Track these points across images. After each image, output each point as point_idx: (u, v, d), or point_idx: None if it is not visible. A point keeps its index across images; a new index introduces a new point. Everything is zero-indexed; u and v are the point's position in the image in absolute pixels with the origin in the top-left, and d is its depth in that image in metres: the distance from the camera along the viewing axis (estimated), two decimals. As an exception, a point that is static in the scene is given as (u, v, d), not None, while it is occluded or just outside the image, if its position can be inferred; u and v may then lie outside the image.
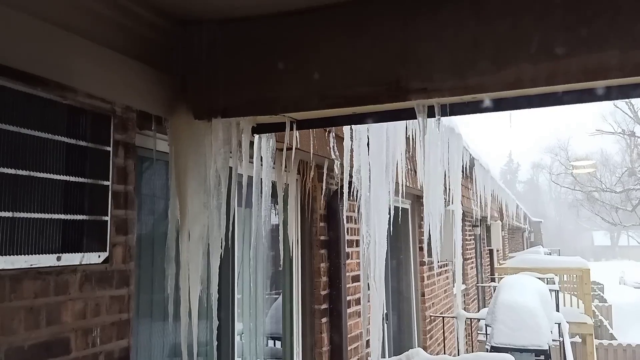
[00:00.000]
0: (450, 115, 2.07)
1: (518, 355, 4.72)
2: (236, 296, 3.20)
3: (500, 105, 2.04)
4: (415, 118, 2.11)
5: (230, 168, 2.44)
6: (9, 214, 1.47)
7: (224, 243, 2.43)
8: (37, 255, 1.57)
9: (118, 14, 1.94)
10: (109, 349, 1.96)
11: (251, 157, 2.63)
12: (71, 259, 1.71)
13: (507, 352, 5.29)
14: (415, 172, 5.47)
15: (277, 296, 4.02)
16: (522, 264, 14.88)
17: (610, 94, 1.94)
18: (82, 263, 1.76)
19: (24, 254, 1.54)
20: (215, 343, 2.49)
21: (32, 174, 1.55)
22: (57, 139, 1.65)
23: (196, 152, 2.32)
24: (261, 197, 2.69)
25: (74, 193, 1.72)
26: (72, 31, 1.72)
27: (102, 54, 1.85)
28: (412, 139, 4.94)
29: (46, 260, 1.61)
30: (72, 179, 1.71)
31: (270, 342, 4.23)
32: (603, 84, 1.86)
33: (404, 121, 4.57)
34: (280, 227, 3.58)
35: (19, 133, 1.52)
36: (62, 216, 1.67)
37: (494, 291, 11.60)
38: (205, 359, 2.94)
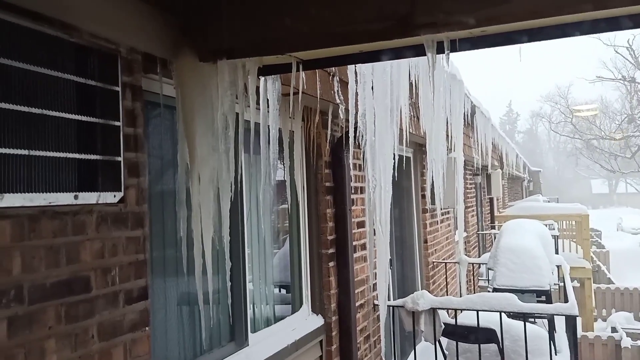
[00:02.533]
0: (459, 50, 2.04)
1: (520, 296, 4.83)
2: (246, 241, 3.25)
3: (510, 38, 2.01)
4: (424, 54, 2.09)
5: (237, 114, 2.43)
6: (25, 152, 1.48)
7: (233, 187, 2.45)
8: (55, 193, 1.59)
9: (119, -50, 1.89)
10: (128, 288, 2.01)
11: (257, 102, 2.61)
12: (88, 197, 1.72)
13: (509, 293, 5.41)
14: (418, 118, 5.45)
15: (279, 249, 4.08)
16: (522, 211, 15.05)
17: (621, 24, 1.91)
18: (99, 202, 1.78)
19: (42, 192, 1.55)
20: (228, 284, 2.54)
21: (45, 112, 1.55)
22: (66, 77, 1.64)
23: (202, 95, 2.30)
24: (268, 142, 2.69)
25: (87, 133, 1.72)
26: (74, -33, 1.68)
27: (105, -8, 1.81)
28: (415, 84, 4.90)
29: (64, 198, 1.62)
30: (84, 118, 1.71)
31: (275, 290, 4.33)
32: (615, 13, 1.83)
33: (407, 65, 4.52)
34: (287, 174, 3.60)
35: (29, 70, 1.51)
36: (77, 155, 1.67)
37: (494, 238, 11.75)
38: (219, 303, 3.02)
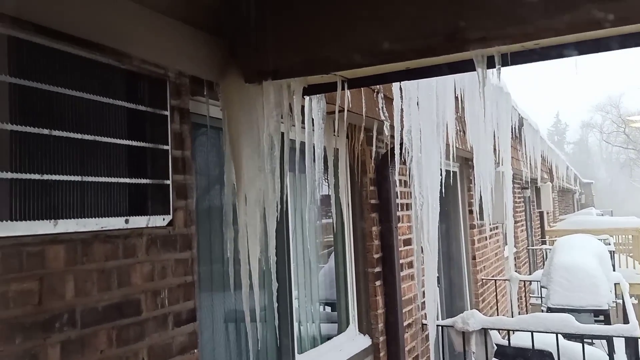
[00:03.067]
0: (511, 64, 1.97)
1: (576, 316, 4.61)
2: (292, 260, 3.23)
3: (566, 51, 1.92)
4: (474, 70, 2.02)
5: (282, 133, 2.43)
6: (78, 178, 1.50)
7: (279, 207, 2.44)
8: (106, 218, 1.61)
9: (167, -23, 1.92)
10: (176, 310, 2.01)
11: (302, 122, 2.60)
12: (138, 221, 1.74)
13: (564, 313, 5.17)
14: (464, 132, 5.33)
15: (323, 265, 4.04)
16: (574, 225, 14.48)
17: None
18: (148, 226, 1.80)
19: (94, 217, 1.57)
20: (275, 305, 2.52)
21: (97, 138, 1.58)
22: (118, 104, 1.67)
23: (248, 116, 2.31)
24: (313, 161, 2.67)
25: (137, 157, 1.75)
26: (124, -4, 1.71)
27: (154, 18, 1.84)
28: (461, 98, 4.81)
29: (115, 222, 1.64)
30: (135, 143, 1.73)
31: (320, 308, 4.28)
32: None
33: (453, 80, 4.44)
34: (332, 192, 3.57)
35: (82, 98, 1.54)
36: (128, 180, 1.70)
37: (545, 254, 11.33)
38: (265, 322, 2.99)
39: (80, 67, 1.57)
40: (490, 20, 1.84)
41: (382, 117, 3.48)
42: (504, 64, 1.97)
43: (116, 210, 1.66)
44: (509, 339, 4.81)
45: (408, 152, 3.55)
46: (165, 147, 1.88)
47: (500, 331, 4.79)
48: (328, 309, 4.20)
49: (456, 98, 4.57)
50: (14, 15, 1.38)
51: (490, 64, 2.00)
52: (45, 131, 1.42)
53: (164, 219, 1.88)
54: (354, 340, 3.79)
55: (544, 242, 14.39)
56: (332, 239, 3.95)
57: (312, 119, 2.63)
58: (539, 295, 9.49)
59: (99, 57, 1.62)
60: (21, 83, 1.38)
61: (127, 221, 1.69)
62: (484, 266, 7.36)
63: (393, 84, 3.42)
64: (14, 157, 1.34)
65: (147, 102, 1.81)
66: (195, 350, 2.09)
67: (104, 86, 1.63)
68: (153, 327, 1.89)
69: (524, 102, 10.93)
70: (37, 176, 1.39)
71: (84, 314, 1.63)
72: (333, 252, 4.03)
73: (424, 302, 4.57)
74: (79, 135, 1.51)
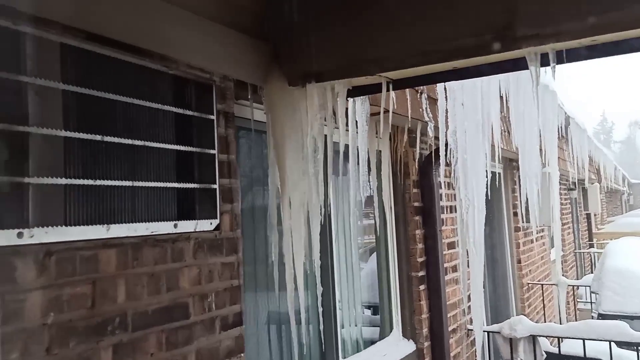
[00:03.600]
0: (566, 62, 1.89)
1: (630, 323, 4.41)
2: (335, 263, 3.20)
3: (625, 46, 1.83)
4: (526, 68, 1.95)
5: (325, 135, 2.41)
6: (129, 183, 1.52)
7: (323, 210, 2.42)
8: (156, 222, 1.62)
9: (212, -18, 1.93)
10: (223, 314, 2.02)
11: (345, 123, 2.57)
12: (186, 226, 1.75)
13: (617, 320, 4.96)
14: (509, 133, 5.20)
15: (363, 264, 4.00)
16: (623, 228, 13.91)
17: None
18: (196, 230, 1.80)
19: (144, 222, 1.59)
20: (320, 309, 2.50)
21: (147, 143, 1.59)
22: (166, 109, 1.69)
23: (292, 119, 2.30)
24: (358, 163, 2.64)
25: (185, 162, 1.76)
26: (170, 2, 1.73)
27: (200, 23, 1.85)
28: (506, 97, 4.68)
29: (165, 227, 1.66)
30: (183, 148, 1.74)
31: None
32: None
33: (497, 79, 4.33)
34: (374, 195, 3.52)
35: (132, 104, 1.56)
36: (176, 185, 1.71)
37: (593, 258, 10.94)
38: (309, 325, 2.98)
39: (129, 73, 1.59)
40: (544, 16, 1.77)
41: (426, 118, 3.42)
42: (559, 61, 1.89)
43: (165, 215, 1.67)
44: (559, 347, 4.64)
45: (452, 154, 3.48)
46: (212, 151, 1.89)
47: (549, 338, 4.63)
48: (368, 312, 4.15)
49: (500, 97, 4.46)
50: (67, 23, 1.40)
51: (544, 60, 1.92)
52: (98, 137, 1.44)
53: (211, 223, 1.88)
54: (398, 345, 3.74)
55: (591, 245, 13.90)
56: (373, 239, 3.91)
57: (356, 121, 2.60)
58: (588, 301, 9.16)
59: (148, 63, 1.64)
60: (73, 90, 1.41)
61: (175, 226, 1.70)
62: (529, 270, 7.15)
63: (437, 84, 3.36)
64: (68, 163, 1.36)
65: (194, 107, 1.82)
66: (242, 354, 2.09)
67: (153, 92, 1.65)
68: (201, 331, 1.90)
69: (569, 100, 10.59)
70: (90, 182, 1.41)
71: (134, 317, 1.65)
72: (375, 253, 3.99)
73: (469, 306, 4.46)
74: (129, 141, 1.53)
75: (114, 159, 1.50)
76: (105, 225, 1.46)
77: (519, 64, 2.01)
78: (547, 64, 1.91)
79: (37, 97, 1.27)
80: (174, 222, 1.69)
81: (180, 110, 1.74)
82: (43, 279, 1.39)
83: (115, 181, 1.49)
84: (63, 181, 1.34)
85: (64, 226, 1.35)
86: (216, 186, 1.91)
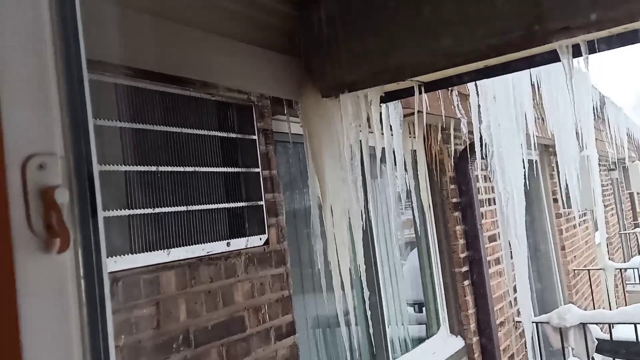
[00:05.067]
0: (599, 51, 1.90)
1: (684, 304, 4.31)
2: (378, 265, 3.26)
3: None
4: (558, 61, 1.97)
5: (360, 141, 2.46)
6: (184, 208, 1.62)
7: (364, 215, 2.48)
8: (210, 243, 1.72)
9: (243, 5, 2.01)
10: (277, 324, 2.10)
11: (380, 128, 2.63)
12: (238, 243, 1.84)
13: (670, 302, 4.87)
14: (543, 119, 5.15)
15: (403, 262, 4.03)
16: (671, 205, 13.51)
17: None
18: (248, 247, 1.89)
19: (200, 243, 1.68)
20: (368, 313, 2.56)
21: (197, 169, 1.69)
22: (212, 134, 1.78)
23: (328, 130, 2.37)
24: (394, 164, 2.69)
25: (233, 182, 1.85)
26: (207, 30, 1.82)
27: (235, 47, 1.94)
28: (537, 85, 4.65)
29: (219, 247, 1.75)
30: (230, 169, 1.83)
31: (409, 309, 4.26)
32: None
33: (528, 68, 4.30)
34: (412, 195, 3.56)
35: (181, 133, 1.65)
36: (226, 205, 1.80)
37: (641, 238, 10.65)
38: (357, 327, 3.04)
39: (177, 104, 1.69)
40: (572, 9, 1.79)
41: (459, 115, 3.45)
42: (591, 51, 1.90)
43: (218, 235, 1.76)
44: (610, 333, 4.58)
45: (487, 147, 3.49)
46: (256, 169, 1.97)
47: (600, 325, 4.58)
48: (410, 310, 4.19)
49: (532, 85, 4.43)
50: (119, 62, 1.51)
51: (575, 51, 1.94)
52: (153, 168, 1.53)
53: (260, 239, 1.97)
54: (446, 342, 3.76)
55: (637, 225, 13.55)
56: (412, 234, 3.94)
57: (390, 125, 2.66)
58: (637, 282, 8.97)
59: (192, 93, 1.74)
60: (127, 126, 1.51)
61: (228, 244, 1.79)
62: (574, 256, 7.05)
63: (467, 80, 3.38)
64: (129, 195, 1.46)
65: (237, 129, 1.91)
66: (298, 362, 2.17)
67: (199, 119, 1.74)
68: (257, 342, 1.99)
69: (603, 80, 10.35)
70: (149, 210, 1.51)
71: (196, 333, 1.75)
72: (415, 250, 4.02)
73: (515, 298, 4.45)
74: (181, 168, 1.63)
75: (169, 187, 1.60)
76: (166, 249, 1.55)
77: (551, 57, 2.03)
78: (580, 55, 1.93)
79: (102, 136, 1.37)
80: (227, 240, 1.78)
81: (224, 134, 1.83)
82: (113, 304, 1.49)
83: (172, 207, 1.58)
84: (127, 212, 1.44)
85: (130, 254, 1.45)
86: (262, 202, 1.99)
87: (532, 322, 4.46)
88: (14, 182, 0.54)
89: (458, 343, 3.79)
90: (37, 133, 0.56)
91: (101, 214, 0.60)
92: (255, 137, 1.99)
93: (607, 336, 4.52)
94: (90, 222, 0.58)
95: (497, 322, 4.15)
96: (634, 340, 4.18)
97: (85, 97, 0.59)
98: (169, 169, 1.60)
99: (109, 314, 0.59)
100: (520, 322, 4.36)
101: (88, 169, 0.58)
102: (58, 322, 0.55)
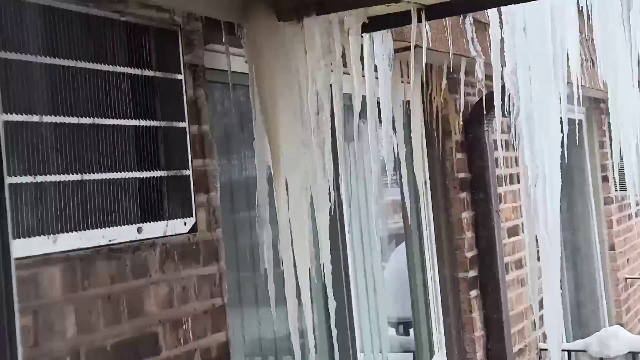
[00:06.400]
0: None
1: None
2: (350, 267, 3.34)
3: None
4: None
5: (331, 86, 2.52)
6: (77, 177, 1.68)
7: (332, 194, 2.55)
8: (114, 227, 1.78)
9: None
10: (204, 346, 2.19)
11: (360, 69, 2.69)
12: (154, 229, 1.92)
13: None
14: (593, 62, 5.32)
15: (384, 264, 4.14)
16: None
17: None
18: (166, 235, 1.97)
19: (99, 228, 1.75)
20: (334, 334, 2.66)
21: (97, 121, 1.74)
22: (118, 71, 1.83)
23: (286, 69, 2.42)
24: (380, 124, 2.79)
25: (148, 142, 1.91)
26: None
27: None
28: (588, 13, 4.79)
29: (126, 233, 1.82)
30: (143, 122, 1.89)
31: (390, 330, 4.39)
32: None
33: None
34: (403, 165, 3.60)
35: (74, 68, 1.70)
36: (137, 174, 1.86)
37: None
38: (317, 354, 3.15)
39: (72, 27, 1.72)
40: None
41: (473, 53, 3.56)
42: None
43: (125, 217, 1.83)
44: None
45: (512, 101, 3.61)
46: (182, 124, 2.04)
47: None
48: (392, 331, 4.32)
49: (579, 12, 4.56)
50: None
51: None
52: (35, 118, 1.58)
53: (184, 223, 2.05)
54: (442, 377, 3.94)
55: None
56: (400, 225, 4.03)
57: (375, 66, 2.74)
58: None
59: (92, 11, 1.77)
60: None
61: (139, 230, 1.86)
62: (627, 259, 7.32)
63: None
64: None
65: (154, 64, 1.96)
66: (232, 401, 2.27)
67: (101, 50, 1.78)
68: (176, 371, 2.07)
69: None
70: (27, 179, 1.56)
71: (89, 355, 1.82)
72: (403, 245, 4.11)
73: (541, 317, 4.66)
74: (74, 119, 1.68)
75: (56, 146, 1.65)
76: (51, 235, 1.62)
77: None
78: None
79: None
80: (137, 225, 1.86)
81: (136, 71, 1.89)
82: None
83: (60, 175, 1.64)
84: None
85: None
86: (189, 172, 2.06)
87: (563, 351, 4.69)
88: None
89: (459, 379, 3.98)
90: None
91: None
92: (180, 76, 2.05)
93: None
94: None
95: (515, 349, 4.35)
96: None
97: None
98: (56, 119, 1.64)
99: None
100: (547, 349, 4.59)
101: None
102: None
